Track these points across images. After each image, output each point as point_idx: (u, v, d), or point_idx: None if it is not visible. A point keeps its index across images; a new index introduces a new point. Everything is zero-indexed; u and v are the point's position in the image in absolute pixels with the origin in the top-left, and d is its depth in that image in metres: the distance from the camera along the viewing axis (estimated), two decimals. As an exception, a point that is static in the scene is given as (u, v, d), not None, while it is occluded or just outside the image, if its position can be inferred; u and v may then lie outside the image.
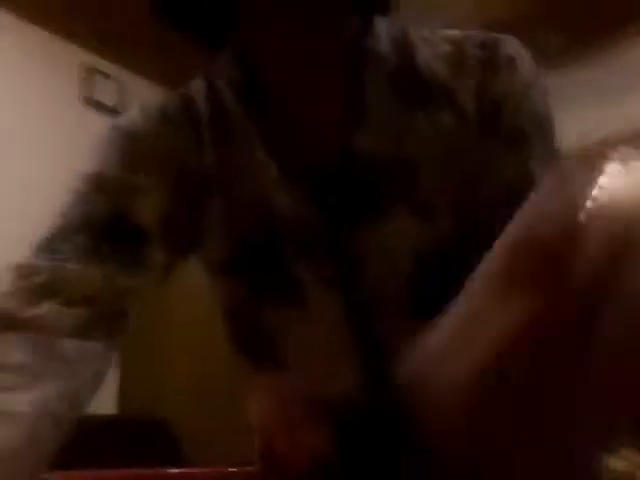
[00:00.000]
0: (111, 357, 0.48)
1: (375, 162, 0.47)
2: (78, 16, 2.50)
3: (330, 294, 0.48)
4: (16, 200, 2.28)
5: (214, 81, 0.53)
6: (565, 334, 0.25)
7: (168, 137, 0.52)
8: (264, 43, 0.46)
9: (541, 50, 2.42)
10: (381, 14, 0.49)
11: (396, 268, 0.47)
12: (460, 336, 0.33)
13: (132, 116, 0.54)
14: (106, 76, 2.67)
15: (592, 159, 0.32)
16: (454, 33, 0.51)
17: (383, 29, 0.49)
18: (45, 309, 0.43)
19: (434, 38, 0.51)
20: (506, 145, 0.47)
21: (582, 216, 0.26)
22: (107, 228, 0.48)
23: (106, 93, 2.66)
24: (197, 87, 0.54)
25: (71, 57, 2.58)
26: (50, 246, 0.47)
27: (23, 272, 0.45)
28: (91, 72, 2.62)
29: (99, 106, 2.63)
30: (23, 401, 0.39)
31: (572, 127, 2.97)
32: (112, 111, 2.66)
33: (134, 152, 0.51)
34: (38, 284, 0.44)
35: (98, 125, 2.61)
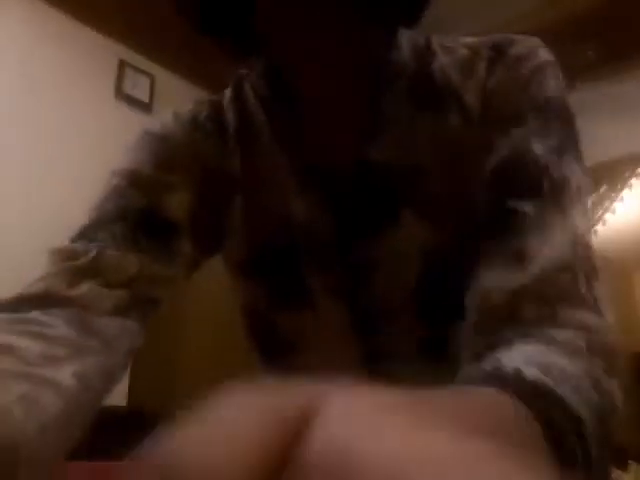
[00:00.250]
0: (142, 338, 0.52)
1: (388, 170, 0.49)
2: (114, 10, 2.54)
3: (336, 302, 0.50)
4: (50, 192, 2.32)
5: (242, 91, 0.56)
6: None
7: (197, 143, 0.55)
8: (292, 58, 0.48)
9: (573, 64, 2.39)
10: (406, 27, 0.50)
11: (404, 274, 0.49)
12: None
13: (165, 121, 0.58)
14: (139, 71, 2.71)
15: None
16: (475, 39, 0.51)
17: (405, 39, 0.51)
18: (86, 289, 0.46)
19: (455, 45, 0.52)
20: (502, 128, 0.47)
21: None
22: (141, 219, 0.51)
23: (138, 88, 2.69)
24: (227, 96, 0.57)
25: (106, 51, 2.62)
26: (87, 234, 0.50)
27: (65, 255, 0.48)
28: (124, 66, 2.65)
29: (131, 100, 2.66)
30: (67, 373, 0.41)
31: (603, 140, 2.92)
32: (143, 106, 2.70)
33: (166, 153, 0.54)
34: (79, 266, 0.47)
35: (129, 119, 2.65)
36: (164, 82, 2.81)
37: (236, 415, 0.15)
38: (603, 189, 2.89)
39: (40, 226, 2.27)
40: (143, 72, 2.72)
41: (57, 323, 0.43)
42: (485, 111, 0.48)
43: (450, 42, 0.52)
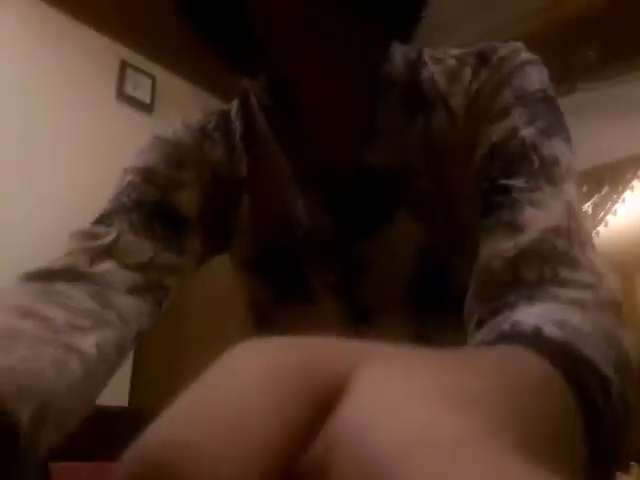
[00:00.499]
0: (152, 320, 0.55)
1: (384, 172, 0.52)
2: (115, 11, 2.54)
3: (335, 297, 0.54)
4: (50, 192, 2.32)
5: (247, 102, 0.60)
6: None
7: (205, 149, 0.59)
8: (291, 70, 0.51)
9: (574, 65, 2.39)
10: (400, 42, 0.54)
11: (399, 270, 0.52)
12: None
13: (175, 127, 0.61)
14: (140, 71, 2.71)
15: None
16: (463, 49, 0.54)
17: (398, 53, 0.54)
18: (106, 267, 0.50)
19: (444, 56, 0.55)
20: (489, 121, 0.49)
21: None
22: (155, 211, 0.55)
23: (139, 88, 2.69)
24: (234, 107, 0.62)
25: (107, 52, 2.62)
26: (105, 221, 0.54)
27: (86, 236, 0.52)
28: (126, 67, 2.66)
29: (132, 101, 2.66)
30: (89, 342, 0.45)
31: (605, 142, 2.92)
32: (144, 106, 2.70)
33: (177, 155, 0.58)
34: (100, 247, 0.51)
35: (130, 120, 2.65)
36: (165, 83, 2.81)
37: (252, 383, 0.12)
38: (605, 190, 2.89)
39: (40, 226, 2.27)
40: (144, 73, 2.72)
41: (80, 296, 0.47)
42: (470, 111, 0.50)
43: (440, 54, 0.55)
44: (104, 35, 2.61)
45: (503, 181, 0.45)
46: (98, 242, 0.51)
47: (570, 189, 0.44)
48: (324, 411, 0.12)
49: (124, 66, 2.65)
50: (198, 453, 0.11)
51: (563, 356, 0.27)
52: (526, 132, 0.47)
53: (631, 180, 2.84)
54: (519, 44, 0.52)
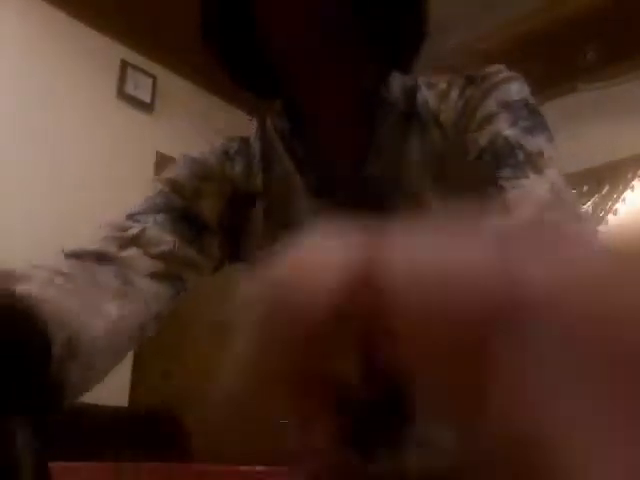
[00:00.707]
0: (169, 307, 0.62)
1: (381, 182, 0.60)
2: (116, 11, 2.54)
3: None
4: (51, 192, 2.32)
5: (265, 126, 0.69)
6: None
7: (226, 167, 0.68)
8: (303, 97, 0.61)
9: (574, 66, 2.38)
10: (400, 72, 0.63)
11: None
12: None
13: (202, 150, 0.70)
14: (141, 71, 2.71)
15: None
16: (454, 76, 0.62)
17: (397, 82, 0.63)
18: (131, 253, 0.57)
19: (437, 82, 0.62)
20: (475, 129, 0.56)
21: None
22: (180, 215, 0.63)
23: (140, 88, 2.70)
24: (253, 131, 0.71)
25: (108, 51, 2.62)
26: (134, 217, 0.61)
27: (115, 227, 0.60)
28: (126, 67, 2.66)
29: (132, 101, 2.67)
30: (114, 310, 0.51)
31: (605, 142, 2.91)
32: (145, 106, 2.70)
33: (202, 170, 0.67)
34: (127, 236, 0.59)
35: (131, 119, 2.65)
36: (166, 82, 2.82)
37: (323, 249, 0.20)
38: (605, 190, 2.89)
39: (41, 226, 2.27)
40: (145, 72, 2.73)
41: (106, 274, 0.54)
42: (457, 123, 0.58)
43: (434, 80, 0.63)
44: (104, 35, 2.61)
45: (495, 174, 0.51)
46: (126, 233, 0.59)
47: (553, 174, 0.50)
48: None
49: (124, 66, 2.65)
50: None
51: None
52: (510, 132, 0.53)
53: (632, 180, 2.84)
54: (501, 66, 0.59)
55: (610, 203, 2.89)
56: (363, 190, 0.61)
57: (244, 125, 3.18)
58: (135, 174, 2.63)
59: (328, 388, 0.19)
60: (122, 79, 2.64)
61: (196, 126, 2.88)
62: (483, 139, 0.54)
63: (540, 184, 0.49)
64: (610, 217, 2.91)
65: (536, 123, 0.55)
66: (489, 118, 0.54)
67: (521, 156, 0.51)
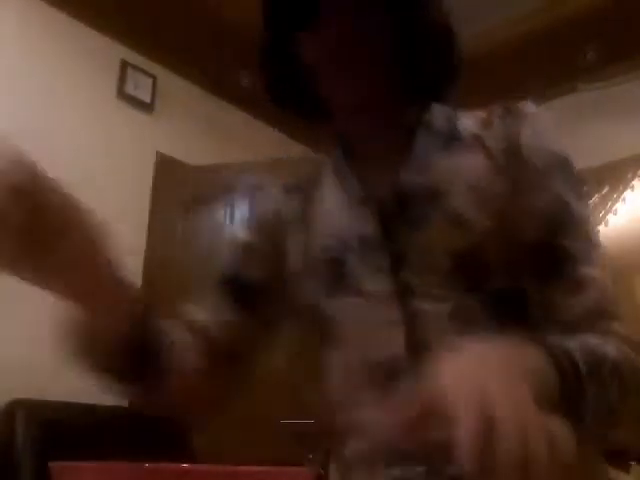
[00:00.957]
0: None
1: (421, 190, 0.66)
2: (116, 11, 2.54)
3: (381, 279, 0.65)
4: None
5: (329, 150, 0.78)
6: None
7: (283, 206, 0.79)
8: (352, 127, 0.73)
9: (574, 65, 2.38)
10: (442, 103, 0.72)
11: (434, 263, 0.64)
12: None
13: (274, 196, 0.82)
14: (141, 71, 2.71)
15: None
16: (492, 106, 0.70)
17: (438, 108, 0.72)
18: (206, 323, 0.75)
19: (474, 112, 0.71)
20: (534, 175, 0.64)
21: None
22: (230, 283, 0.78)
23: (140, 88, 2.69)
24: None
25: (108, 51, 2.62)
26: (204, 296, 0.79)
27: (187, 324, 0.75)
28: (126, 67, 2.66)
29: (132, 101, 2.66)
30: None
31: (605, 141, 2.91)
32: (145, 106, 2.70)
33: (267, 228, 0.79)
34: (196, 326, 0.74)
35: (131, 119, 2.65)
36: (166, 82, 2.82)
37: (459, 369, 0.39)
38: (605, 190, 2.89)
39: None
40: (145, 72, 2.72)
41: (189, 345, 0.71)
42: (507, 156, 0.65)
43: (470, 111, 0.71)
44: (104, 35, 2.61)
45: (562, 241, 0.61)
46: (195, 323, 0.75)
47: (599, 244, 0.63)
48: None
49: (124, 66, 2.65)
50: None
51: (556, 354, 0.47)
52: (570, 199, 0.63)
53: (632, 180, 2.84)
54: (533, 104, 0.68)
55: (610, 203, 2.89)
56: (403, 205, 0.66)
57: (244, 125, 3.19)
58: (135, 174, 2.63)
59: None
60: (122, 79, 2.64)
61: (196, 126, 2.88)
62: (544, 198, 0.63)
63: (599, 261, 0.61)
64: (610, 217, 2.91)
65: (578, 183, 0.66)
66: (547, 174, 0.64)
67: (581, 226, 0.62)
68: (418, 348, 0.61)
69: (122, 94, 2.63)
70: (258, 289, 0.75)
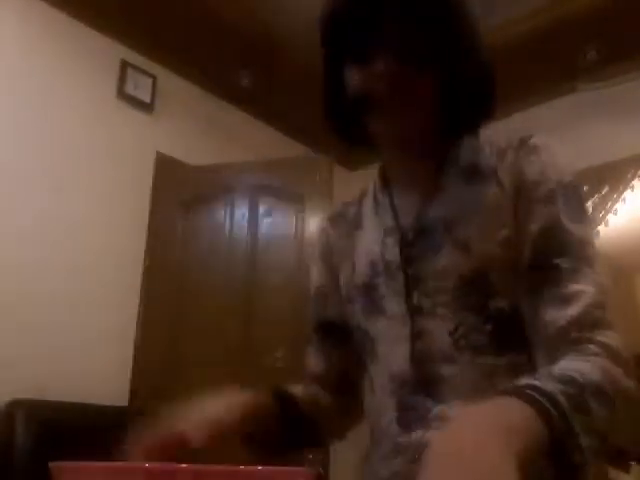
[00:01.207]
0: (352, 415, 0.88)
1: (438, 220, 0.72)
2: (116, 11, 2.54)
3: (399, 301, 0.74)
4: (50, 192, 2.32)
5: (375, 180, 0.85)
6: None
7: (329, 236, 0.89)
8: (391, 160, 0.81)
9: (575, 65, 2.37)
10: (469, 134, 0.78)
11: (443, 285, 0.70)
12: None
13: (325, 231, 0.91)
14: (141, 71, 2.71)
15: None
16: (512, 136, 0.75)
17: (467, 140, 0.77)
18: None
19: (496, 138, 0.76)
20: (536, 203, 0.68)
21: None
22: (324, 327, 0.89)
23: (140, 88, 2.69)
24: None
25: (108, 51, 2.62)
26: (309, 341, 0.89)
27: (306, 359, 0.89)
28: (126, 67, 2.66)
29: (132, 101, 2.67)
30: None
31: (605, 141, 2.90)
32: (145, 106, 2.70)
33: (322, 267, 0.89)
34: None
35: (130, 119, 2.65)
36: (166, 82, 2.82)
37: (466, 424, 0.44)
38: (605, 190, 2.89)
39: (41, 225, 2.27)
40: (145, 72, 2.72)
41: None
42: (516, 186, 0.69)
43: (495, 139, 0.76)
44: (104, 35, 2.61)
45: (554, 260, 0.64)
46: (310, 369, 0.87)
47: (599, 268, 0.64)
48: None
49: (124, 66, 2.65)
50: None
51: (540, 401, 0.49)
52: (567, 220, 0.66)
53: (632, 180, 2.84)
54: (544, 137, 0.73)
55: (610, 203, 2.89)
56: (422, 234, 0.73)
57: (244, 125, 3.19)
58: (135, 174, 2.63)
59: None
60: (122, 79, 2.64)
61: (196, 126, 2.88)
62: (544, 218, 0.67)
63: (592, 281, 0.63)
64: (610, 217, 2.91)
65: (582, 209, 0.69)
66: (549, 198, 0.67)
67: (576, 247, 0.65)
68: (422, 362, 0.70)
69: (122, 94, 2.63)
70: (344, 324, 0.83)
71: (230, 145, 2.95)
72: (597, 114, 2.85)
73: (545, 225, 0.66)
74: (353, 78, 0.71)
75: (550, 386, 0.51)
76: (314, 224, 2.43)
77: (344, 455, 1.63)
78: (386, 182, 0.81)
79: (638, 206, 3.03)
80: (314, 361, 0.87)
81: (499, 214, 0.69)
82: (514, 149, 0.72)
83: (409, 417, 0.70)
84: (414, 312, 0.72)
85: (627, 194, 2.88)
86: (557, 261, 0.64)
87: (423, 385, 0.69)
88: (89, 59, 2.56)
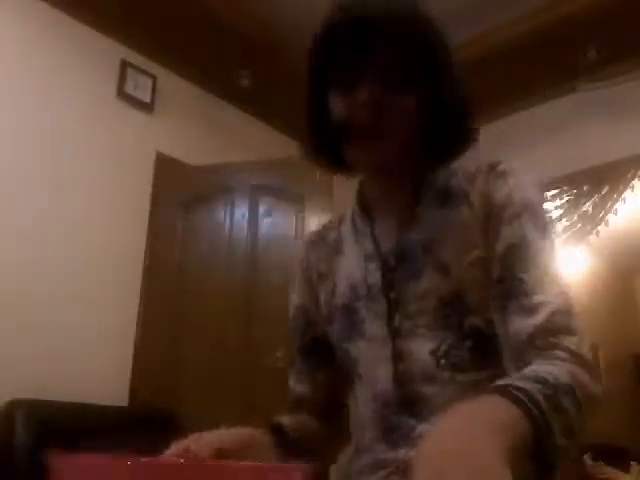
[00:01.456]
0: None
1: (417, 245, 0.75)
2: (116, 10, 2.54)
3: (380, 324, 0.76)
4: (50, 192, 2.32)
5: (353, 206, 0.87)
6: None
7: (310, 256, 0.90)
8: (369, 186, 0.83)
9: (575, 65, 2.38)
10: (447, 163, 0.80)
11: (423, 307, 0.73)
12: None
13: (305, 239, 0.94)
14: (141, 71, 2.71)
15: None
16: (481, 161, 0.78)
17: (441, 167, 0.80)
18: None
19: (468, 166, 0.78)
20: (504, 223, 0.71)
21: None
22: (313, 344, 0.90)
23: (140, 88, 2.69)
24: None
25: (108, 51, 2.62)
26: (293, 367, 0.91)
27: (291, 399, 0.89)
28: (126, 67, 2.66)
29: (132, 100, 2.67)
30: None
31: (605, 141, 2.90)
32: (145, 106, 2.70)
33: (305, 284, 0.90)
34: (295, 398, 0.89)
35: (130, 119, 2.65)
36: (166, 82, 2.82)
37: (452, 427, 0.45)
38: (605, 190, 2.89)
39: (41, 224, 2.27)
40: (145, 72, 2.72)
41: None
42: (486, 208, 0.72)
43: (466, 164, 0.79)
44: (104, 35, 2.61)
45: (520, 274, 0.67)
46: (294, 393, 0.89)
47: (563, 280, 0.68)
48: None
49: (124, 66, 2.65)
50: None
51: (522, 399, 0.50)
52: (531, 237, 0.69)
53: (631, 180, 2.84)
54: (515, 163, 0.76)
55: (610, 203, 2.89)
56: (401, 258, 0.76)
57: (244, 125, 3.18)
58: (135, 174, 2.63)
59: None
60: (122, 79, 2.64)
61: (196, 126, 2.88)
62: (510, 236, 0.70)
63: (555, 290, 0.66)
64: (610, 217, 2.91)
65: (546, 225, 0.72)
66: (516, 217, 0.70)
67: (540, 260, 0.68)
68: (404, 383, 0.73)
69: (122, 94, 2.63)
70: (328, 341, 0.84)
71: (230, 145, 2.95)
72: (597, 114, 2.85)
73: (511, 242, 0.69)
74: (337, 105, 0.72)
75: (529, 386, 0.53)
76: (314, 224, 2.43)
77: (344, 454, 1.63)
78: (364, 208, 0.83)
79: (638, 206, 3.03)
80: (299, 384, 0.88)
81: (471, 235, 0.72)
82: (484, 174, 0.75)
83: (394, 436, 0.72)
84: (395, 334, 0.74)
85: (627, 194, 2.88)
86: (521, 275, 0.67)
87: (406, 405, 0.72)
88: (89, 59, 2.56)
